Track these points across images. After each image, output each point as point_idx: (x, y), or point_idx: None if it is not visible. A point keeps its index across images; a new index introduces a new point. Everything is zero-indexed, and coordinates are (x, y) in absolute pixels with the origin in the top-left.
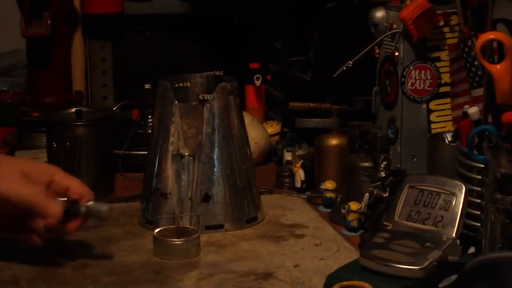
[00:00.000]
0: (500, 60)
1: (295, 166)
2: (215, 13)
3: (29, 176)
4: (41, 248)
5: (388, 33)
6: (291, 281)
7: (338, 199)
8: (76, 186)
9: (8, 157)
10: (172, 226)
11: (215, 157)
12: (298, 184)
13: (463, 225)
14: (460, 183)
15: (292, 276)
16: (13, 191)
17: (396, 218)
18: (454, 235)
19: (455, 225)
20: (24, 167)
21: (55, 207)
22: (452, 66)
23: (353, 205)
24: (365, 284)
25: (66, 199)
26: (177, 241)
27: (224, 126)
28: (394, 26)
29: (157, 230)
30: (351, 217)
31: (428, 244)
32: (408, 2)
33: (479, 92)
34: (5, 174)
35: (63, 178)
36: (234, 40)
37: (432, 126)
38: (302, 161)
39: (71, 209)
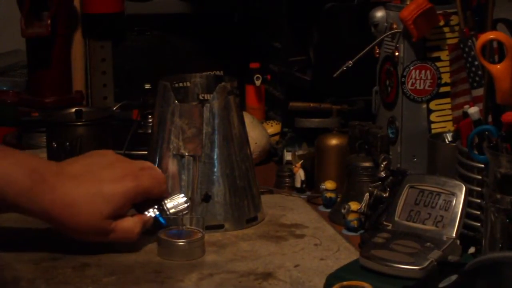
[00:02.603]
0: (500, 60)
1: (295, 166)
2: (215, 13)
3: (119, 212)
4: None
5: (388, 33)
6: (291, 281)
7: (338, 199)
8: (152, 187)
9: (90, 203)
10: (177, 227)
11: (215, 157)
12: (298, 184)
13: (463, 225)
14: (460, 183)
15: (292, 276)
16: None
17: (396, 218)
18: (454, 235)
19: (455, 225)
20: (109, 212)
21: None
22: (452, 66)
23: (353, 205)
24: (365, 284)
25: (151, 215)
26: (181, 242)
27: (224, 126)
28: (394, 26)
29: (161, 230)
30: (351, 217)
31: (428, 244)
32: (408, 2)
33: (479, 92)
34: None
35: (140, 191)
36: (234, 40)
37: (432, 126)
38: (302, 161)
39: (159, 221)
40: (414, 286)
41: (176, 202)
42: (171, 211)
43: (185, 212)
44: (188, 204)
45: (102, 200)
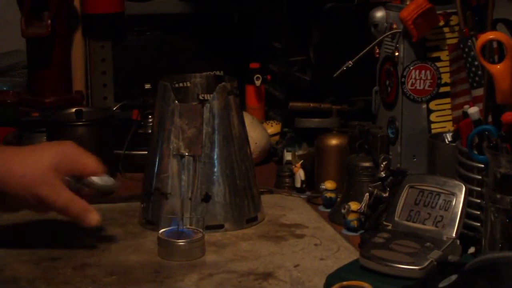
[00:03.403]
0: (500, 60)
1: (295, 166)
2: (215, 13)
3: (57, 169)
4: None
5: (388, 33)
6: (291, 281)
7: (338, 199)
8: (90, 163)
9: (35, 154)
10: (177, 227)
11: (215, 157)
12: (298, 184)
13: (463, 225)
14: (460, 183)
15: (292, 276)
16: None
17: (396, 218)
18: (454, 235)
19: (455, 225)
20: (51, 163)
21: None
22: (452, 66)
23: (353, 205)
24: (365, 284)
25: (70, 179)
26: (181, 242)
27: (224, 126)
28: (394, 26)
29: (161, 230)
30: (351, 217)
31: (428, 244)
32: (408, 2)
33: (479, 92)
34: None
35: (79, 160)
36: (234, 40)
37: (432, 126)
38: (302, 161)
39: (74, 187)
40: (414, 286)
41: (101, 179)
42: (98, 183)
43: (109, 188)
44: (115, 183)
45: (42, 152)
